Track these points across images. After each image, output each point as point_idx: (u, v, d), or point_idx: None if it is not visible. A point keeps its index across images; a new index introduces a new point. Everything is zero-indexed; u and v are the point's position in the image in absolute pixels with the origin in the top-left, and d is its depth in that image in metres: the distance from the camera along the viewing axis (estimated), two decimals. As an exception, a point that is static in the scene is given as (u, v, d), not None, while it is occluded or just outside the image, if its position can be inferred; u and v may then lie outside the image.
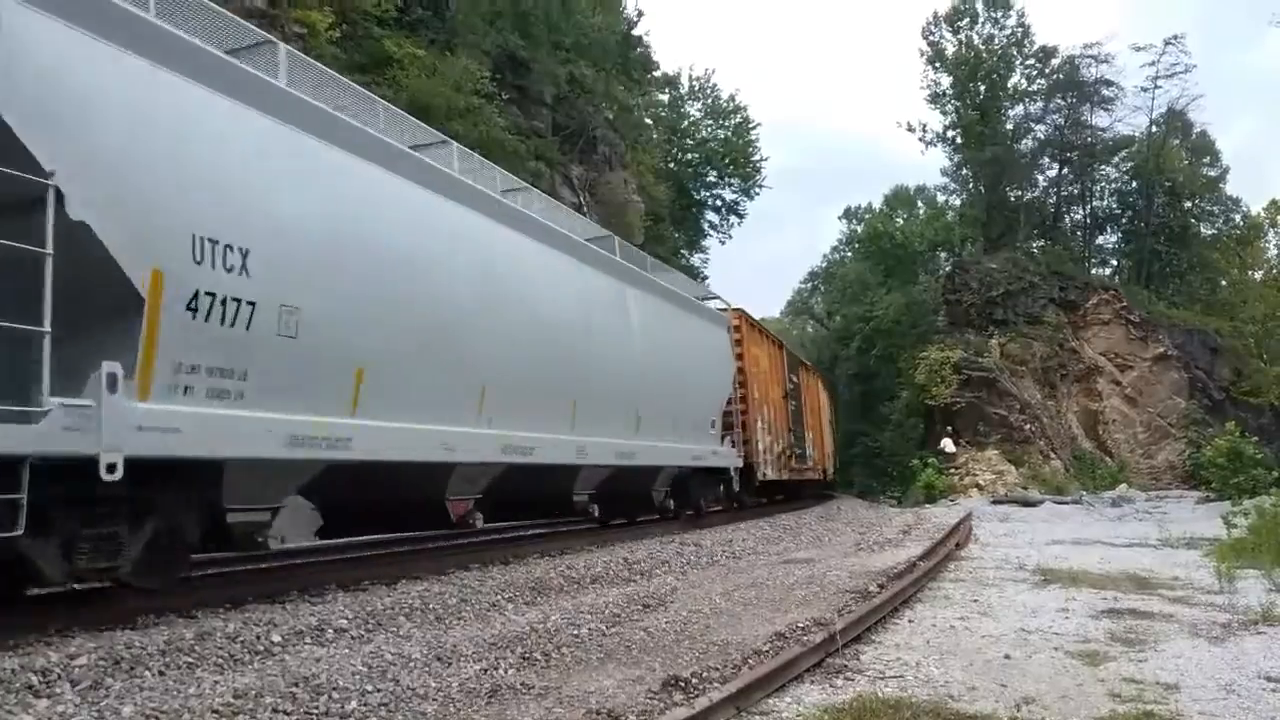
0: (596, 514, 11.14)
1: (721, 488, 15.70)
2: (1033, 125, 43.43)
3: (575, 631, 5.64)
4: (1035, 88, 43.49)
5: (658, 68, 39.69)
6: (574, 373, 9.85)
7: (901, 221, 55.21)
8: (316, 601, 6.02)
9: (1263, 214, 44.61)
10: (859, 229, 58.24)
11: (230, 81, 5.72)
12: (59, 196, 4.47)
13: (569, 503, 10.52)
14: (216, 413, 5.39)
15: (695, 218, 45.16)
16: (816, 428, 25.86)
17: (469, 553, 8.82)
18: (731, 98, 46.46)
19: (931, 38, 44.57)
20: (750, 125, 46.09)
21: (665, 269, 14.70)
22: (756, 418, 17.19)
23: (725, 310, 16.67)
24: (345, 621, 5.39)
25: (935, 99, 44.87)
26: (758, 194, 46.85)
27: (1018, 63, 43.67)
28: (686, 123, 45.56)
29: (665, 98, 44.13)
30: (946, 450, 32.46)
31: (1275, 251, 45.00)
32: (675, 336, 13.04)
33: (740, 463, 15.77)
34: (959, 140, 44.53)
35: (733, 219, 46.70)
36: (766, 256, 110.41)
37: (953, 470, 31.59)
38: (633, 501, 12.89)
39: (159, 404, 5.04)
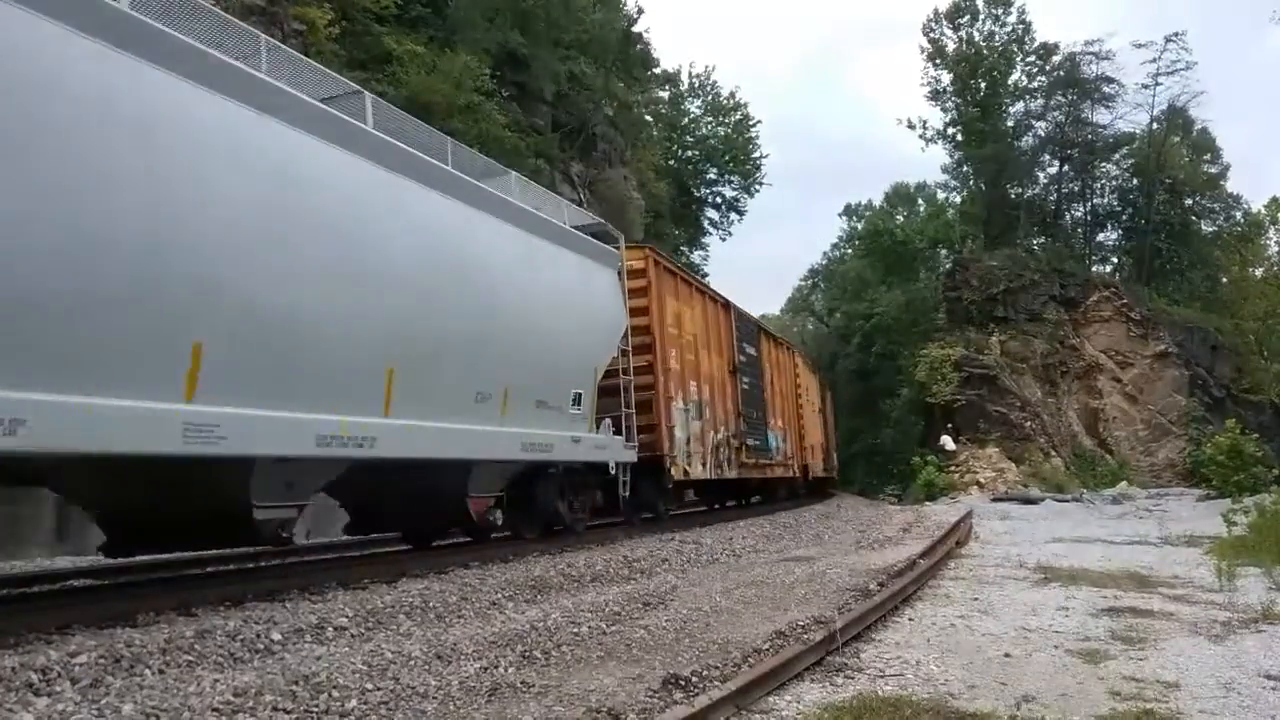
0: (295, 538, 6.82)
1: (610, 491, 11.44)
2: (1033, 122, 43.53)
3: (575, 630, 5.63)
4: (1036, 84, 43.58)
5: (658, 65, 39.72)
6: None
7: (902, 219, 55.27)
8: (317, 600, 6.02)
9: (1263, 211, 44.78)
10: (859, 226, 58.30)
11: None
12: None
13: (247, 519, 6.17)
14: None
15: (695, 215, 45.18)
16: (789, 415, 21.31)
17: (469, 551, 8.81)
18: (731, 95, 46.54)
19: (932, 34, 44.68)
20: (750, 122, 46.15)
21: (522, 182, 9.88)
22: (674, 395, 12.85)
23: (620, 247, 11.72)
24: (345, 620, 5.39)
25: (936, 96, 44.97)
26: (758, 191, 46.95)
27: (1018, 59, 43.75)
28: (687, 120, 45.56)
29: (665, 95, 44.14)
30: (946, 448, 32.49)
31: (1276, 249, 45.13)
32: (512, 273, 8.83)
33: (633, 455, 11.19)
34: (959, 137, 44.57)
35: (733, 216, 46.79)
36: (767, 254, 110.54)
37: (953, 468, 31.62)
38: (423, 512, 8.70)
39: None
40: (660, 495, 13.09)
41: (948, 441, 32.67)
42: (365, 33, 19.03)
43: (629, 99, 32.86)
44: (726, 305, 16.60)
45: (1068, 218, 44.68)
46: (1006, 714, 4.21)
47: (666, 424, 12.42)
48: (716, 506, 18.42)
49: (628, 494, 11.22)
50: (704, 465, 14.02)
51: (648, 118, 38.81)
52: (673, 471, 12.60)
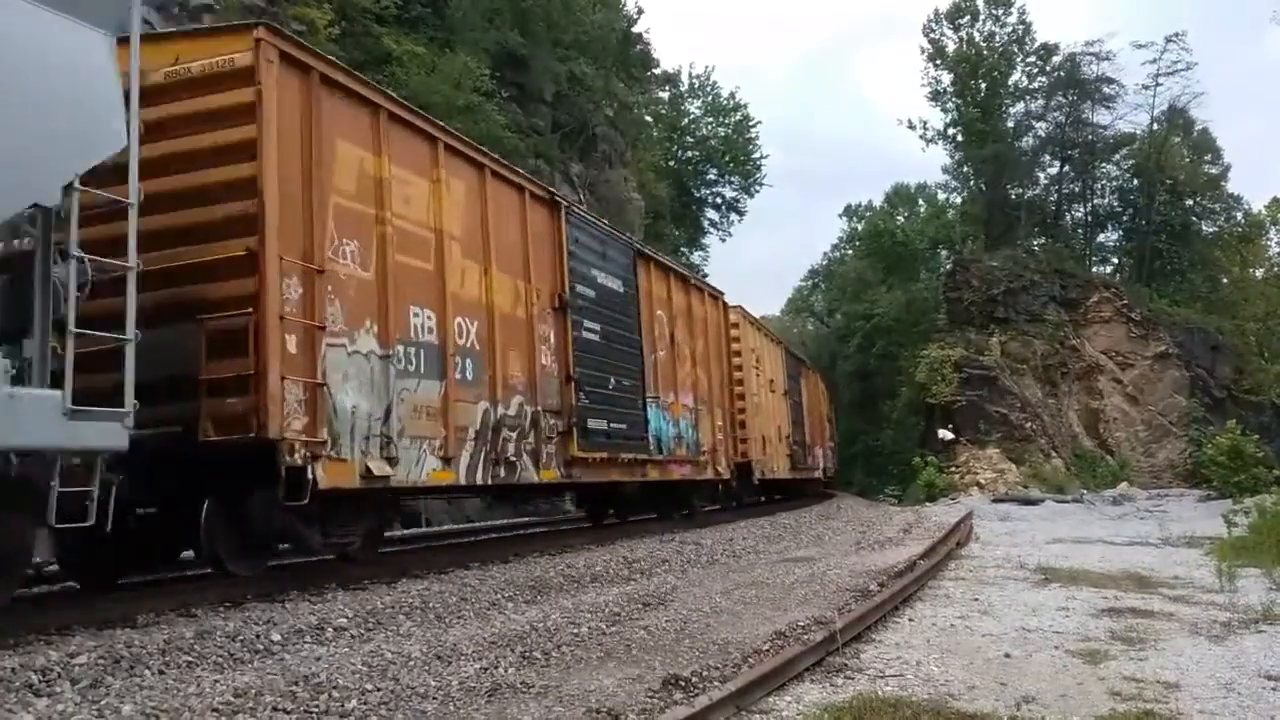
0: None
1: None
2: (1034, 123, 43.54)
3: (575, 630, 5.63)
4: (1036, 85, 43.59)
5: (658, 65, 39.69)
6: None
7: (902, 219, 55.29)
8: (316, 600, 6.02)
9: (1264, 212, 44.79)
10: (859, 227, 58.33)
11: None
12: None
13: None
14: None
15: (695, 215, 45.18)
16: (713, 392, 15.32)
17: (469, 551, 8.81)
18: (731, 95, 46.55)
19: (933, 35, 44.68)
20: (750, 123, 46.14)
21: None
22: (325, 323, 6.59)
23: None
24: (345, 620, 5.39)
25: (936, 96, 44.98)
26: (758, 191, 46.96)
27: (1019, 60, 43.77)
28: (686, 120, 45.55)
29: (665, 95, 44.15)
30: (944, 439, 32.54)
31: (1276, 249, 45.13)
32: None
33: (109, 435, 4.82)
34: (960, 138, 44.57)
35: (733, 217, 46.81)
36: (767, 254, 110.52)
37: (953, 469, 31.63)
38: None
39: None
40: (265, 519, 6.31)
41: (946, 435, 32.72)
42: (365, 33, 19.02)
43: (629, 99, 32.87)
44: (550, 201, 10.44)
45: (1068, 218, 44.69)
46: (1006, 714, 4.21)
47: (280, 375, 6.03)
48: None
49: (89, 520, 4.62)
50: (451, 460, 7.83)
51: (648, 118, 38.81)
52: (317, 473, 6.21)
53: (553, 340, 10.06)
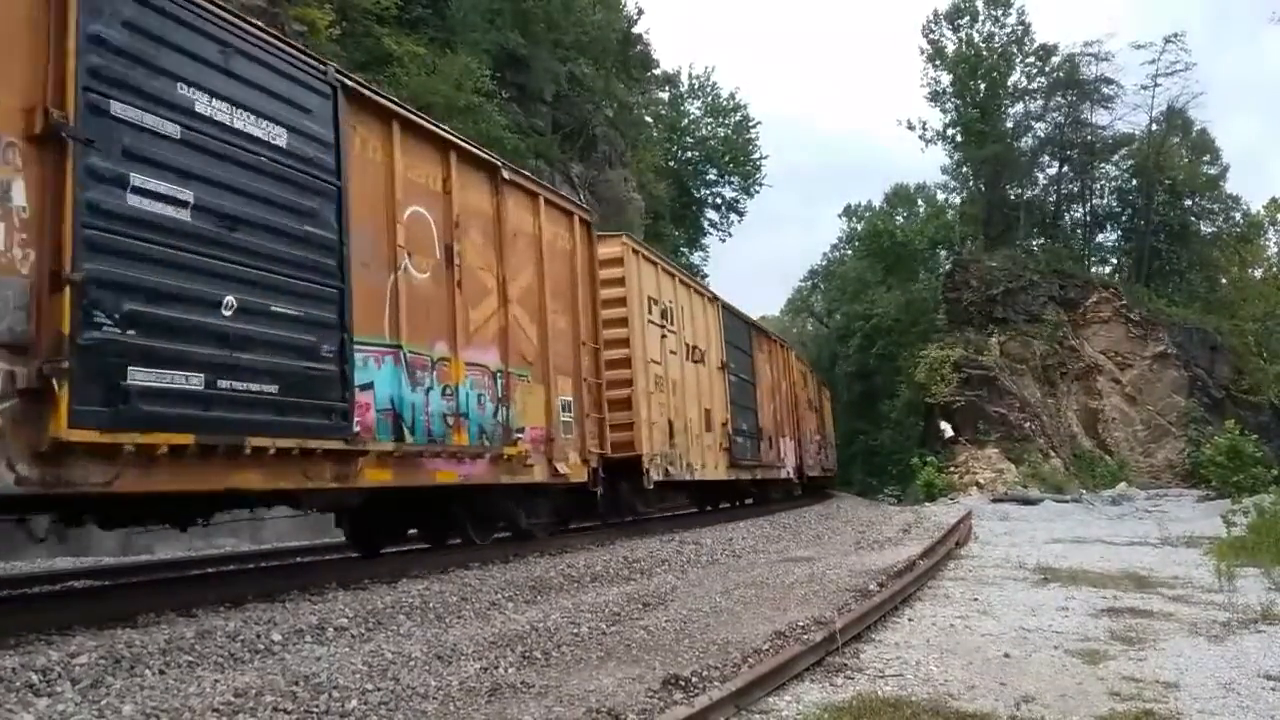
0: None
1: None
2: (1033, 123, 43.53)
3: (575, 630, 5.64)
4: (1035, 85, 43.55)
5: (657, 66, 39.71)
6: None
7: (901, 219, 55.26)
8: (317, 600, 6.03)
9: (1263, 212, 44.79)
10: (859, 227, 58.29)
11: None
12: None
13: None
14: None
15: (695, 216, 45.17)
16: (531, 342, 9.15)
17: (469, 551, 8.82)
18: (731, 96, 46.52)
19: (932, 35, 44.67)
20: (750, 123, 46.14)
21: None
22: None
23: None
24: (346, 620, 5.39)
25: (935, 97, 44.95)
26: (758, 192, 46.89)
27: (1018, 60, 43.74)
28: (686, 121, 45.53)
29: (665, 96, 44.16)
30: (945, 435, 32.55)
31: (1275, 250, 45.15)
32: None
33: None
34: (959, 138, 44.56)
35: (733, 217, 46.75)
36: (766, 255, 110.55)
37: (952, 468, 31.64)
38: None
39: None
40: None
41: (947, 429, 32.73)
42: (366, 34, 19.05)
43: (629, 100, 32.88)
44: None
45: (1067, 219, 44.70)
46: (1006, 714, 4.21)
47: None
48: None
49: None
50: None
51: (648, 119, 38.83)
52: None
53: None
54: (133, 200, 5.20)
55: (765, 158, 47.07)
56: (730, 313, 17.64)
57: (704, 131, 45.96)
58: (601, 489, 10.77)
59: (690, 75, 46.14)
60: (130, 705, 3.66)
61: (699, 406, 14.66)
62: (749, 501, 19.80)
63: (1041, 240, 43.10)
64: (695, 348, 14.83)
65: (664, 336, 13.46)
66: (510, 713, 3.92)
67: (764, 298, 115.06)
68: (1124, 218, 44.18)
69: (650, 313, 13.00)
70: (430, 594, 6.37)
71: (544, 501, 10.19)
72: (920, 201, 57.51)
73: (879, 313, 47.25)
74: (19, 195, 4.66)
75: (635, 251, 12.83)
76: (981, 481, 30.31)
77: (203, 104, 5.79)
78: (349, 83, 7.10)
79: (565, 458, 9.89)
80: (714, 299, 16.60)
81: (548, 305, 9.85)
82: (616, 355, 11.84)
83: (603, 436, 10.98)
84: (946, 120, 45.04)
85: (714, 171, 45.93)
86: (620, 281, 12.22)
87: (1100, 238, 45.36)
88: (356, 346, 6.80)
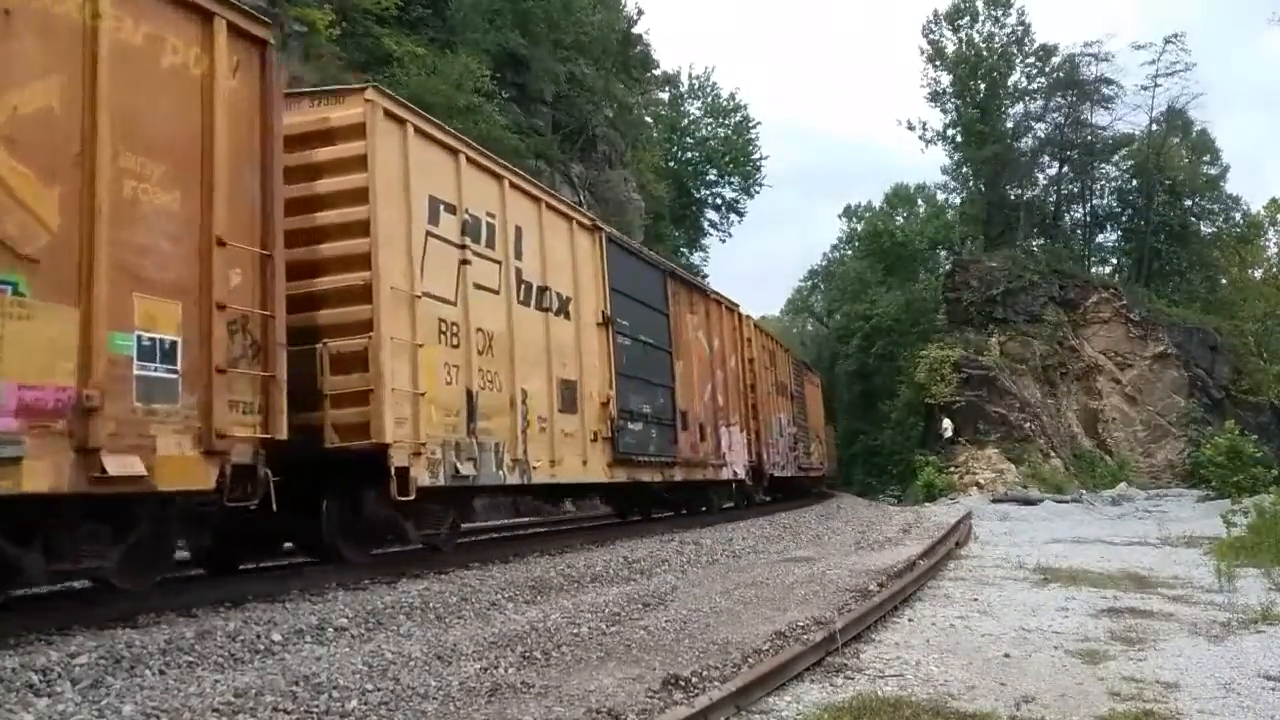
0: None
1: None
2: (1033, 123, 43.56)
3: (575, 630, 5.64)
4: (1035, 86, 43.59)
5: (658, 66, 39.70)
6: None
7: (901, 220, 55.29)
8: (317, 600, 6.02)
9: (1263, 212, 44.83)
10: (859, 227, 58.29)
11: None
12: None
13: None
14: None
15: (695, 216, 45.18)
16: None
17: (469, 551, 8.82)
18: (731, 96, 46.56)
19: (932, 36, 44.71)
20: (750, 124, 46.16)
21: None
22: None
23: None
24: (345, 620, 5.39)
25: (935, 97, 44.99)
26: (758, 192, 46.92)
27: (1018, 61, 43.77)
28: (686, 121, 45.58)
29: (665, 96, 44.17)
30: (945, 433, 32.54)
31: (1275, 250, 45.17)
32: None
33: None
34: (959, 138, 44.60)
35: (733, 217, 46.78)
36: (766, 255, 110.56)
37: (952, 469, 31.64)
38: None
39: None
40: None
41: (948, 427, 32.73)
42: (366, 34, 19.05)
43: (629, 100, 32.88)
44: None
45: (1067, 219, 44.72)
46: (1006, 714, 4.21)
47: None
48: None
49: None
50: None
51: (648, 119, 38.82)
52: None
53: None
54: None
55: (765, 158, 47.16)
56: (626, 251, 13.02)
57: (704, 132, 45.99)
58: (274, 505, 5.95)
59: (690, 75, 46.23)
60: (130, 705, 3.66)
61: (548, 375, 10.12)
62: (669, 514, 15.22)
63: (1041, 240, 43.11)
64: (546, 289, 10.28)
65: (465, 263, 8.74)
66: (510, 713, 3.92)
67: (764, 298, 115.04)
68: (1124, 218, 44.20)
69: (435, 223, 8.35)
70: (430, 594, 6.36)
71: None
72: (920, 202, 57.54)
73: (879, 313, 47.23)
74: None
75: (398, 120, 7.93)
76: (981, 481, 30.31)
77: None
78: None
79: (146, 445, 5.25)
80: (595, 228, 11.82)
81: (104, 158, 5.15)
82: (343, 282, 7.40)
83: (270, 409, 6.13)
84: (946, 120, 45.14)
85: (714, 172, 45.95)
86: (360, 163, 7.58)
87: (1100, 238, 45.46)
88: None
